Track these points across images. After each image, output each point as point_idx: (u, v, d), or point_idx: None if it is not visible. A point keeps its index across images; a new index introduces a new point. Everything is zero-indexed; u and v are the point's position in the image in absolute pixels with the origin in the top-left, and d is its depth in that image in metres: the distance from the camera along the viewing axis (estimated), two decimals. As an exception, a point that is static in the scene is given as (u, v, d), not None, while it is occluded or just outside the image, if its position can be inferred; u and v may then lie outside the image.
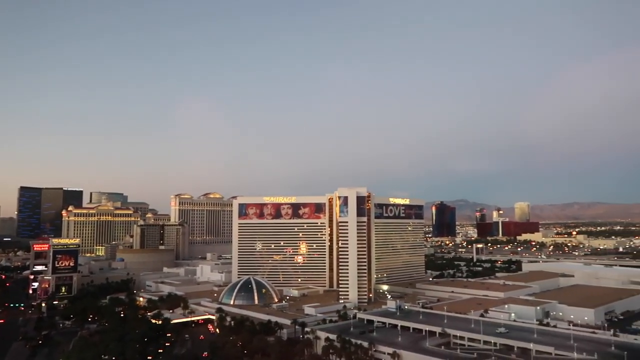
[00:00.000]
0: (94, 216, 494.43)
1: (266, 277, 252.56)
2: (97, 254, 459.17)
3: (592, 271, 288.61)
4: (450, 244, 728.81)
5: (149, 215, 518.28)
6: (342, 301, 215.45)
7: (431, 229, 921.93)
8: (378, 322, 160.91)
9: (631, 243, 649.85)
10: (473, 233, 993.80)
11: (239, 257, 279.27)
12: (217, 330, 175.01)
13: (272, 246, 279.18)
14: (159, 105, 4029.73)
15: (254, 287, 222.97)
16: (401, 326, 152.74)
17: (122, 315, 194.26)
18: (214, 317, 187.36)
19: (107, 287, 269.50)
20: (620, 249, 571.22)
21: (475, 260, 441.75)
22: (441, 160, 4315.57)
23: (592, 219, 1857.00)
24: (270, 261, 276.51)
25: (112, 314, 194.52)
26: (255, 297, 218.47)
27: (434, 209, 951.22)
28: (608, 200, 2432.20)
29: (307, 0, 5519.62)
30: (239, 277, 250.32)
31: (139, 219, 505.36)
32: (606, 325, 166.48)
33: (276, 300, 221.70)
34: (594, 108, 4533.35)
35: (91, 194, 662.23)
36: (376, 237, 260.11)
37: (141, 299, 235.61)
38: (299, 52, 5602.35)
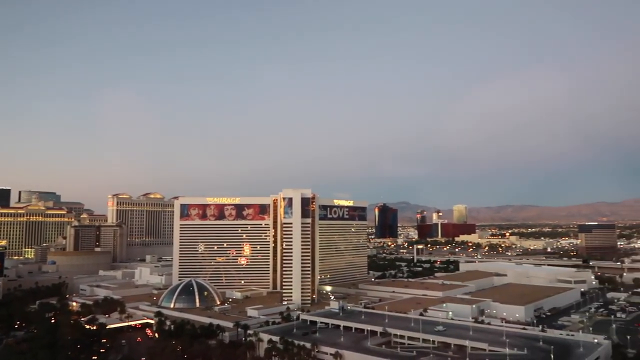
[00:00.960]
0: (23, 216, 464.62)
1: (208, 280, 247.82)
2: (26, 256, 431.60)
3: (523, 270, 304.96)
4: (392, 245, 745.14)
5: (84, 215, 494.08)
6: (285, 303, 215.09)
7: (374, 230, 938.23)
8: (321, 322, 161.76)
9: (558, 244, 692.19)
10: (414, 234, 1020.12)
11: (180, 259, 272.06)
12: (156, 334, 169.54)
13: (215, 247, 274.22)
14: (94, 102, 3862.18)
15: (196, 289, 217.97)
16: (344, 326, 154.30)
17: (52, 321, 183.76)
18: (152, 322, 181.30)
19: (36, 292, 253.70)
20: (549, 249, 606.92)
21: (415, 260, 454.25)
22: (384, 163, 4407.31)
23: (524, 221, 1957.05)
24: (212, 263, 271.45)
25: (41, 320, 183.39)
26: (197, 300, 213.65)
27: (376, 210, 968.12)
28: (538, 203, 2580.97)
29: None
30: (179, 280, 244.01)
31: (73, 219, 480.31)
32: (535, 321, 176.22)
33: (218, 302, 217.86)
34: (524, 117, 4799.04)
35: (20, 192, 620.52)
36: (320, 238, 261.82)
37: (74, 303, 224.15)
38: (239, 52, 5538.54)
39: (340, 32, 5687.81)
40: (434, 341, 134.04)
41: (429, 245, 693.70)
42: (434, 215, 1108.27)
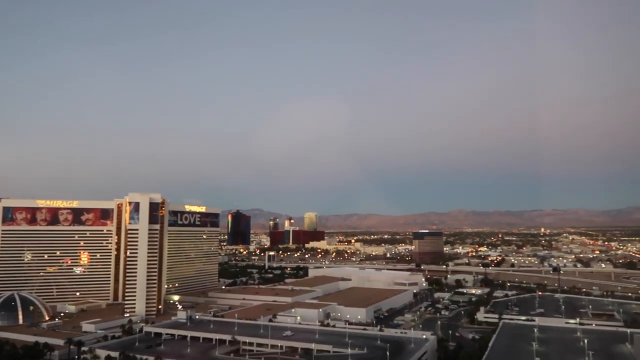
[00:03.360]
0: None
1: (36, 292, 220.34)
2: None
3: (366, 275, 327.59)
4: (245, 252, 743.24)
5: None
6: (127, 315, 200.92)
7: (226, 237, 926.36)
8: (166, 334, 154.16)
9: (396, 249, 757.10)
10: (266, 241, 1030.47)
11: (0, 270, 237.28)
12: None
13: (46, 256, 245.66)
14: None
15: (19, 304, 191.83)
16: (191, 337, 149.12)
17: None
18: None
19: None
20: (388, 255, 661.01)
21: (267, 267, 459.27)
22: (238, 169, 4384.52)
23: (368, 229, 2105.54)
24: (42, 274, 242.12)
25: None
26: (20, 316, 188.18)
27: (229, 217, 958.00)
28: (380, 212, 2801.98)
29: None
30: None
31: None
32: (374, 321, 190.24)
33: (47, 318, 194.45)
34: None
35: None
36: (169, 246, 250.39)
37: None
38: (63, 47, 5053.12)
39: (174, 37, 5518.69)
40: (282, 346, 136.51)
41: (280, 252, 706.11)
42: (286, 223, 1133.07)
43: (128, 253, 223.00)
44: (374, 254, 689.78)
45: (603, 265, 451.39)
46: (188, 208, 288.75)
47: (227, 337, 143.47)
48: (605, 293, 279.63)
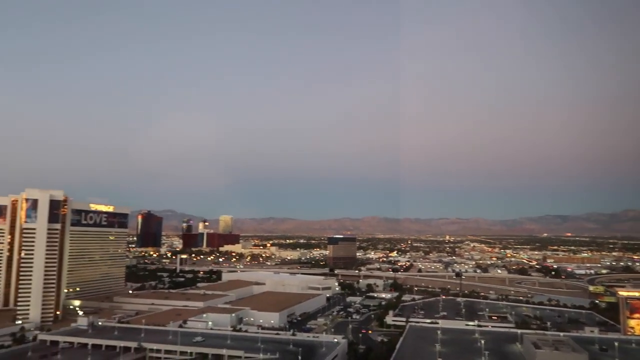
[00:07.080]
0: None
1: None
2: None
3: (280, 279, 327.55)
4: (155, 255, 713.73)
5: None
6: (20, 322, 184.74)
7: (135, 238, 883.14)
8: (65, 342, 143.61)
9: (311, 254, 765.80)
10: (179, 244, 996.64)
11: None
12: None
13: None
14: None
15: None
16: (92, 345, 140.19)
17: None
18: None
19: None
20: (303, 259, 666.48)
21: (178, 271, 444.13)
22: (150, 168, 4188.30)
23: (284, 233, 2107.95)
24: None
25: None
26: None
27: (139, 218, 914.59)
28: (297, 216, 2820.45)
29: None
30: None
31: None
32: (287, 326, 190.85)
33: None
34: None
35: None
36: (71, 247, 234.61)
37: None
38: None
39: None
40: (192, 353, 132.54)
41: (193, 255, 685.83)
42: (200, 225, 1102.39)
43: (23, 254, 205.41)
44: (289, 258, 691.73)
45: (499, 271, 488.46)
46: (94, 207, 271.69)
47: (133, 345, 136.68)
48: (500, 297, 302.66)
